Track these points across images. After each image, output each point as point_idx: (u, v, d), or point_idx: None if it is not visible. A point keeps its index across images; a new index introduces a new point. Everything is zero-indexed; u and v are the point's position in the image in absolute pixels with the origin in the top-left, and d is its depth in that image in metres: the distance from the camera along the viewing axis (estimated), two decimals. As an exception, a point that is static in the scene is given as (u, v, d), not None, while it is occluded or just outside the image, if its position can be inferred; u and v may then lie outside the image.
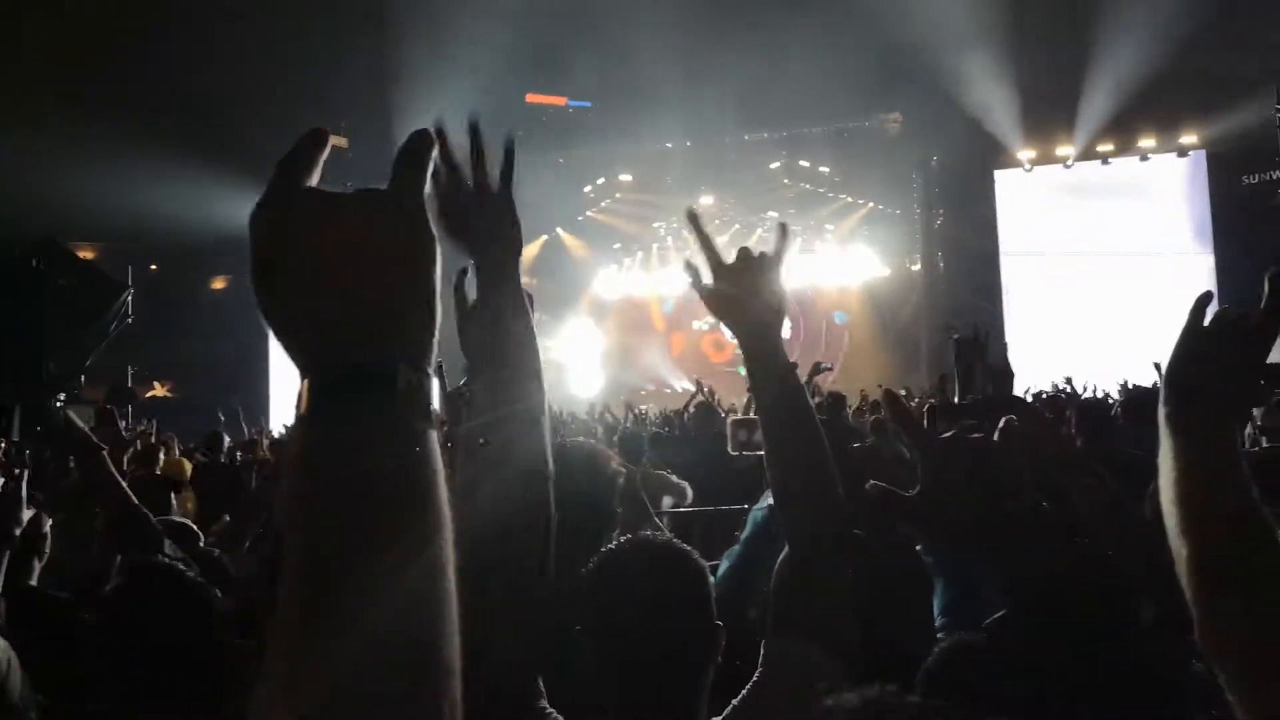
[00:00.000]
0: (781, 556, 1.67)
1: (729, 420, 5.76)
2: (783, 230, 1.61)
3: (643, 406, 14.31)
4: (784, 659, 1.52)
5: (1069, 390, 9.86)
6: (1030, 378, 13.66)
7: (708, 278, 1.58)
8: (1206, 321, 1.18)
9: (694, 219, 1.61)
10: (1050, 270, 18.23)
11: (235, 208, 19.29)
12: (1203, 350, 1.15)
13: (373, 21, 17.36)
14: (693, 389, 9.04)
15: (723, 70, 18.56)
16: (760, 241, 23.70)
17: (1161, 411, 1.14)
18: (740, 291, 1.54)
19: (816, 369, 6.77)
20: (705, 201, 23.44)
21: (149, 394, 19.09)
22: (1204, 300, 1.20)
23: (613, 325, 24.91)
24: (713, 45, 17.75)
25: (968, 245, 18.81)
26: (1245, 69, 14.74)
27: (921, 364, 19.22)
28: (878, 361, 19.77)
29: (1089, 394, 10.46)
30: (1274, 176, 15.56)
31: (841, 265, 23.54)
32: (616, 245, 24.76)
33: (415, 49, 18.14)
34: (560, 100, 21.69)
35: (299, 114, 18.78)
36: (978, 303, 16.00)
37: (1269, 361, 1.17)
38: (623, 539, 1.70)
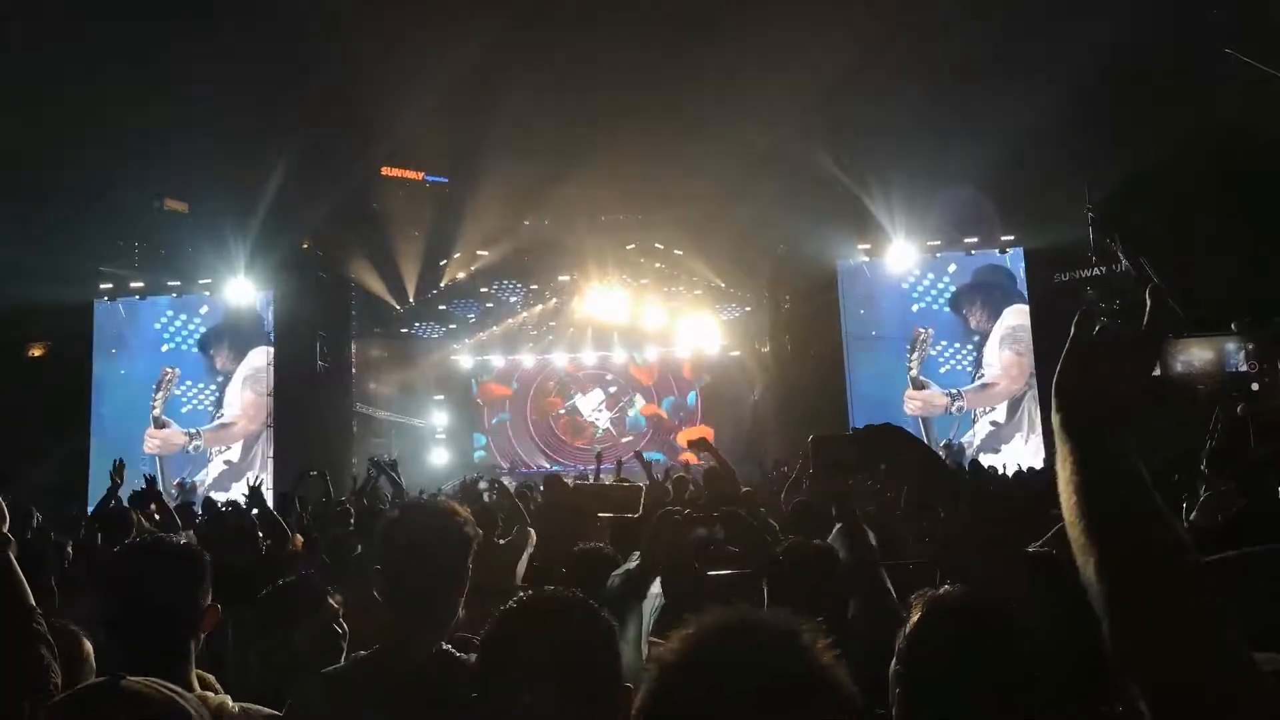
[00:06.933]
0: None
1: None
2: None
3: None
4: None
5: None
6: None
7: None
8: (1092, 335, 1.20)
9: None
10: (892, 354, 19.14)
11: (52, 273, 18.11)
12: (1088, 362, 1.17)
13: (226, 87, 16.85)
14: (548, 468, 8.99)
15: (581, 153, 18.95)
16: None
17: (1055, 419, 1.15)
18: None
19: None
20: (562, 279, 23.62)
21: (-52, 469, 17.36)
22: (1088, 314, 1.21)
23: (467, 401, 24.52)
24: (573, 129, 18.15)
25: (813, 330, 19.56)
26: (1061, 170, 15.86)
27: (770, 442, 19.76)
28: (731, 440, 20.14)
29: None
30: (1083, 275, 16.32)
31: (695, 345, 24.07)
32: (472, 317, 24.60)
33: (269, 116, 17.71)
34: (417, 175, 21.59)
35: (130, 180, 17.93)
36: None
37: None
38: (531, 591, 1.63)
